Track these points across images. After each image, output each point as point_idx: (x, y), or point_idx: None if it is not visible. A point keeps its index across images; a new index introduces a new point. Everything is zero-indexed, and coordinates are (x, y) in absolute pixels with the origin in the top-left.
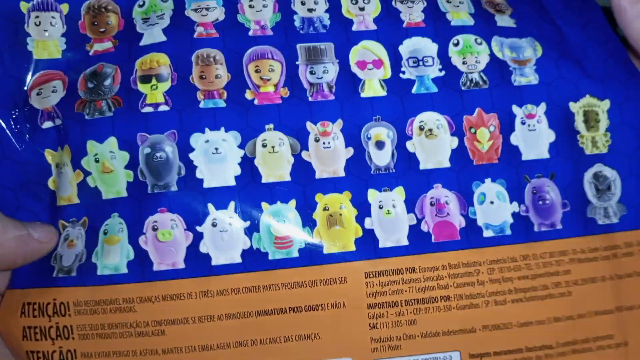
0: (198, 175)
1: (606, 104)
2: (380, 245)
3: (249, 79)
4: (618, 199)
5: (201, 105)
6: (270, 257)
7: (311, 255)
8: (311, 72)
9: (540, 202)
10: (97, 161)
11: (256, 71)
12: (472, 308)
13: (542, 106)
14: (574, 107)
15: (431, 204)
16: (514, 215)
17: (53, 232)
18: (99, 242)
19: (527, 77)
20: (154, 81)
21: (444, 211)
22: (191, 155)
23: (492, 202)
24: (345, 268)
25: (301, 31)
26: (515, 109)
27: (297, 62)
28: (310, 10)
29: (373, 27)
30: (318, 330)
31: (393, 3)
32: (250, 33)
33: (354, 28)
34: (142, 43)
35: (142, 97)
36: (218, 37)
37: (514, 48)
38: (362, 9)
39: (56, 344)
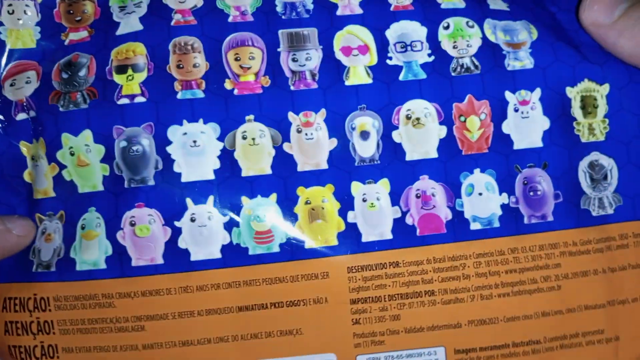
0: (176, 169)
1: (605, 88)
2: (364, 239)
3: (229, 67)
4: (614, 188)
5: (179, 96)
6: (250, 252)
7: (292, 250)
8: (293, 60)
9: (532, 193)
10: (72, 154)
11: (236, 59)
12: (457, 303)
13: (537, 92)
14: (570, 92)
15: (417, 196)
16: (503, 207)
17: (31, 225)
18: (76, 236)
19: (521, 60)
20: (129, 71)
21: (430, 203)
22: (168, 149)
23: (480, 194)
24: (328, 263)
25: (283, 16)
26: (508, 95)
27: (278, 49)
28: None
29: (359, 10)
30: (300, 326)
31: None
32: (230, 19)
33: (338, 12)
34: (118, 32)
35: (117, 88)
36: (196, 24)
37: (507, 31)
38: None
39: (37, 339)
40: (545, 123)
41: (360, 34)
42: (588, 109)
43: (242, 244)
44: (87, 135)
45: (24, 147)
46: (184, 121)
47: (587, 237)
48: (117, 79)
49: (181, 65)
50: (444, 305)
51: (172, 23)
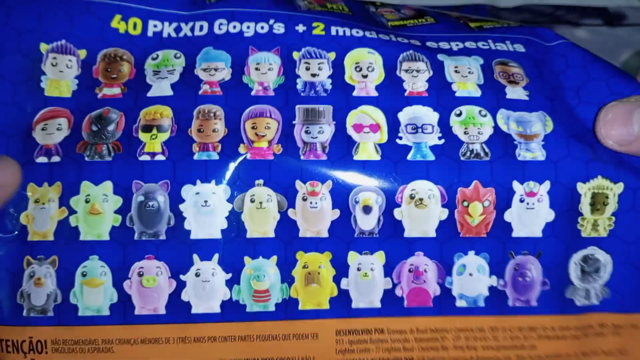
0: (186, 226)
1: (620, 187)
2: (353, 305)
3: (245, 134)
4: (604, 282)
5: (195, 157)
6: (248, 309)
7: (287, 310)
8: (306, 132)
9: (520, 279)
10: (87, 202)
11: (252, 128)
12: None
13: (546, 184)
14: (582, 188)
15: (409, 271)
16: (491, 288)
17: (16, 169)
18: (76, 283)
19: (533, 152)
20: (154, 131)
21: (421, 279)
22: (181, 206)
23: (471, 274)
24: (318, 325)
25: (302, 94)
26: (515, 185)
27: (293, 122)
28: (313, 75)
29: (374, 93)
30: None
31: (397, 72)
32: (253, 93)
33: (354, 93)
34: (149, 94)
35: (141, 145)
36: (221, 95)
37: (521, 122)
38: (365, 76)
39: None
40: (549, 215)
41: (373, 114)
42: (597, 206)
43: (241, 301)
44: (107, 185)
45: (30, 190)
46: (198, 181)
47: (567, 324)
48: (142, 136)
49: (202, 130)
50: None
51: (200, 92)
